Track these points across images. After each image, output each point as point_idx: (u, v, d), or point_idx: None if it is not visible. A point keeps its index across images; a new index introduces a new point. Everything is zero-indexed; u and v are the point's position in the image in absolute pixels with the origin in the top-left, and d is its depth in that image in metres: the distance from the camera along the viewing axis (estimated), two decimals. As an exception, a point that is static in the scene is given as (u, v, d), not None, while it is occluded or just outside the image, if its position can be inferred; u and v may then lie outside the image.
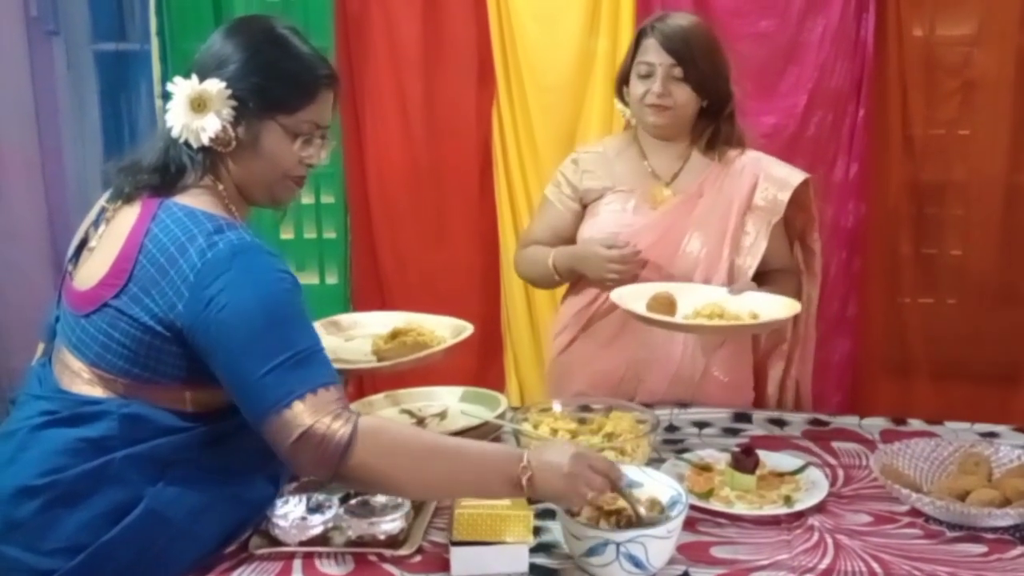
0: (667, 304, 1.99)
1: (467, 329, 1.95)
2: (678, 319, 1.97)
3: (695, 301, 2.03)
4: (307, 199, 3.42)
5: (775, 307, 2.00)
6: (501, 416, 1.94)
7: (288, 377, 1.39)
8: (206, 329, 1.41)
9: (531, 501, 1.52)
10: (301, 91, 1.56)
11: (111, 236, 1.53)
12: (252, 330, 1.40)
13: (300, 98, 1.55)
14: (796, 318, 2.28)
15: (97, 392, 1.48)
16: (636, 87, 2.18)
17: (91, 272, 1.52)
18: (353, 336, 2.03)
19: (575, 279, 2.29)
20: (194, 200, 1.52)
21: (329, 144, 1.64)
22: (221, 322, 1.40)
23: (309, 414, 1.38)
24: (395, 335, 1.93)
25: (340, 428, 1.38)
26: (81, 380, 1.50)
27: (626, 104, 2.25)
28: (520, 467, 1.44)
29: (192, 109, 1.51)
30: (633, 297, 2.02)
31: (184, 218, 1.48)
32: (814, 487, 1.72)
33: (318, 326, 1.98)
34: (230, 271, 1.41)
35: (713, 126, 2.23)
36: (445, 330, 1.98)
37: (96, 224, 1.59)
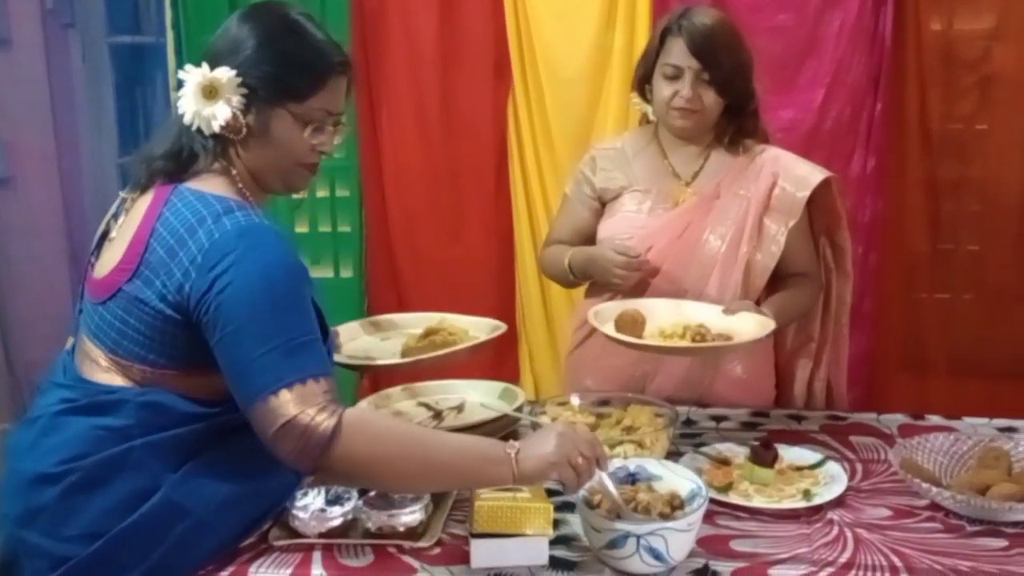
0: (632, 322, 1.97)
1: (500, 328, 1.95)
2: (644, 339, 1.94)
3: (673, 319, 1.99)
4: (322, 192, 3.41)
5: (748, 327, 1.96)
6: (519, 409, 1.94)
7: (279, 364, 1.38)
8: (208, 310, 1.41)
9: (549, 493, 1.53)
10: (311, 79, 1.54)
11: (128, 224, 1.54)
12: (249, 313, 1.39)
13: (310, 86, 1.54)
14: (826, 317, 2.27)
15: (116, 381, 1.49)
16: (662, 89, 2.12)
17: (108, 260, 1.54)
18: (389, 336, 2.04)
19: (591, 279, 2.26)
20: (206, 184, 1.52)
21: (343, 131, 1.62)
22: (220, 303, 1.39)
23: (295, 404, 1.36)
24: (428, 334, 1.94)
25: (324, 420, 1.36)
26: (99, 368, 1.51)
27: (646, 100, 2.22)
28: (506, 457, 1.43)
29: (203, 96, 1.51)
30: (606, 316, 2.01)
31: (195, 201, 1.48)
32: (833, 481, 1.72)
33: (357, 326, 1.99)
34: (235, 251, 1.41)
35: (735, 124, 2.18)
36: (479, 330, 1.98)
37: (116, 215, 1.60)
